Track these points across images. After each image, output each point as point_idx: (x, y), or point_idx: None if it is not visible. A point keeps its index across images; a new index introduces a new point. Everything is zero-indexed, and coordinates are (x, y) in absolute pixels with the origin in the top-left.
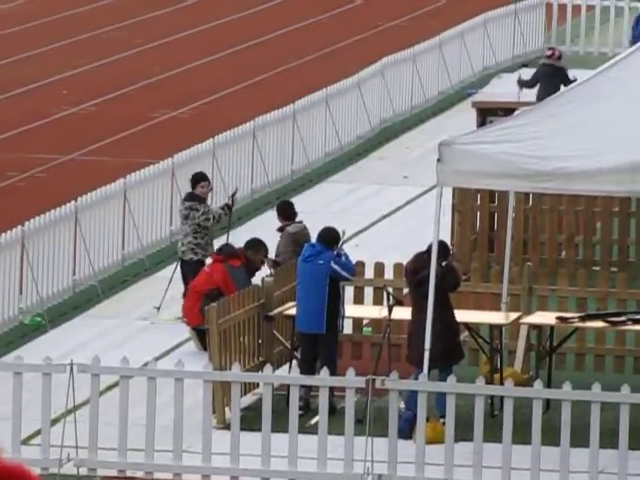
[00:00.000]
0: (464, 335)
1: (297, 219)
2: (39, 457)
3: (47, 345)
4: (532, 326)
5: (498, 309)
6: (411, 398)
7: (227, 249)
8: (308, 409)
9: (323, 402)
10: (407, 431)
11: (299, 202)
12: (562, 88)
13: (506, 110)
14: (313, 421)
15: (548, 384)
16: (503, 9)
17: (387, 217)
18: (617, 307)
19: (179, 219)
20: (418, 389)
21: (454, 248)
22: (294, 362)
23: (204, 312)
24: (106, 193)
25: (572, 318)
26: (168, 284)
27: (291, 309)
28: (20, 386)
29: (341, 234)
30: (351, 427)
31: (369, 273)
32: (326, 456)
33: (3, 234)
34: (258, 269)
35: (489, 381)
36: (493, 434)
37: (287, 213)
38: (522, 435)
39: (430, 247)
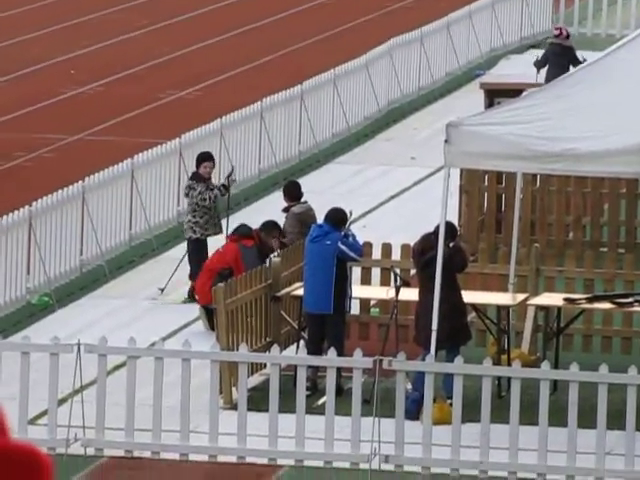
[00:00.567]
0: (471, 316)
1: (303, 199)
2: (46, 437)
3: (54, 325)
4: (539, 307)
5: (505, 290)
6: (418, 379)
7: (242, 229)
8: (315, 390)
9: (330, 383)
10: (414, 412)
11: (306, 183)
12: (570, 67)
13: (514, 92)
14: (320, 402)
15: (555, 365)
16: None
17: (394, 198)
18: (624, 288)
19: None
20: (425, 370)
21: (461, 229)
22: (301, 342)
23: None
24: (113, 173)
25: (579, 299)
26: (177, 266)
27: (298, 289)
28: (27, 366)
29: (348, 215)
30: (358, 408)
31: (376, 254)
32: (333, 437)
33: (11, 214)
34: (272, 251)
35: (496, 362)
36: (500, 415)
37: (293, 194)
38: (529, 416)
39: (437, 228)
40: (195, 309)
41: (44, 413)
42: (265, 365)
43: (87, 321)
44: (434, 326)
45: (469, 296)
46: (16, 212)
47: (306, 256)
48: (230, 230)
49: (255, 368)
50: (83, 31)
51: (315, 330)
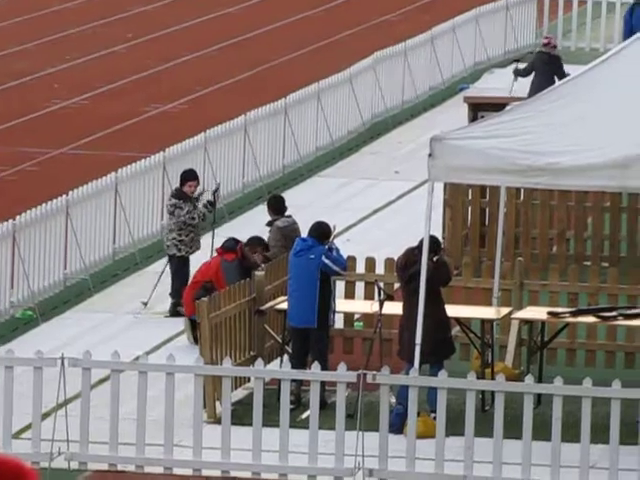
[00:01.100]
0: (455, 330)
1: (287, 213)
2: (30, 451)
3: (38, 339)
4: (523, 321)
5: (489, 304)
6: (402, 393)
7: (227, 243)
8: (299, 403)
9: (314, 397)
10: (398, 426)
11: (290, 196)
12: (556, 77)
13: (498, 105)
14: (304, 415)
15: (539, 379)
16: (495, 4)
17: (378, 212)
18: (608, 302)
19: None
20: (409, 384)
21: (445, 243)
22: (285, 356)
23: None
24: (97, 187)
25: (563, 313)
26: (157, 279)
27: (282, 303)
28: (11, 380)
29: (332, 228)
30: (342, 422)
31: (360, 268)
32: (317, 450)
33: None
34: (255, 265)
35: (480, 376)
36: (484, 429)
37: (277, 207)
38: (513, 430)
39: (421, 242)
40: (179, 323)
41: (28, 427)
42: (249, 379)
43: (71, 335)
44: (418, 340)
45: (453, 310)
46: (0, 226)
47: (290, 270)
48: (219, 244)
49: (239, 382)
50: (67, 45)
51: (299, 344)
